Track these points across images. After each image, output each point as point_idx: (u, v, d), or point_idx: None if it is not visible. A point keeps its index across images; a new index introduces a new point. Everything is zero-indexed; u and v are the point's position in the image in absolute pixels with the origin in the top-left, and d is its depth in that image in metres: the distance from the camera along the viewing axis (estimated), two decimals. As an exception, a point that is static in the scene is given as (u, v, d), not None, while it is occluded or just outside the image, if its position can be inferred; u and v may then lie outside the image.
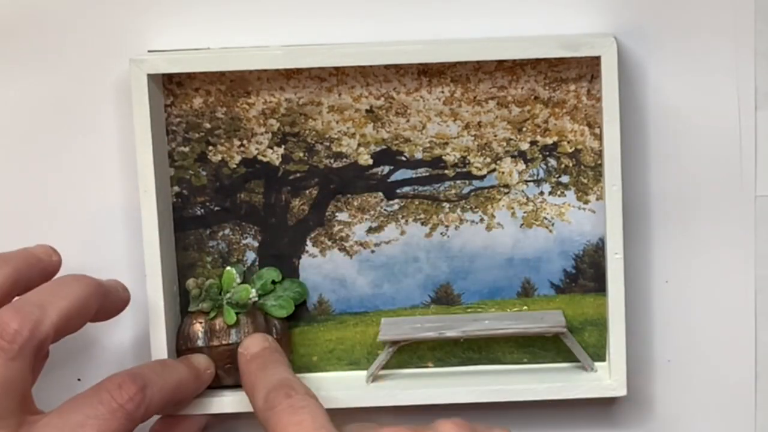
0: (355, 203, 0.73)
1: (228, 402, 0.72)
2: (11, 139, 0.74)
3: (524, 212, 0.73)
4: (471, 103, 0.72)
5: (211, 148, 0.73)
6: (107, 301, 0.68)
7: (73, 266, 0.70)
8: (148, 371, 0.66)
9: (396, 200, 0.73)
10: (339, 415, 0.67)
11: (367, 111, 0.72)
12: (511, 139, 0.72)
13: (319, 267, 0.74)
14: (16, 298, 0.65)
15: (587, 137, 0.72)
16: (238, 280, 0.73)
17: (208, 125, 0.73)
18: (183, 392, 0.69)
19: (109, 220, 0.74)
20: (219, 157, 0.73)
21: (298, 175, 0.73)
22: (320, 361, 0.75)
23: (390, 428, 0.64)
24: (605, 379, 0.72)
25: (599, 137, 0.72)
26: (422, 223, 0.74)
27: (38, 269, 0.67)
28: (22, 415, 0.63)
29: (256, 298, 0.73)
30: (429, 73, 0.72)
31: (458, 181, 0.73)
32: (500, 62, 0.71)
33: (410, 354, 0.74)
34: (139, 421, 0.65)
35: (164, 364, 0.69)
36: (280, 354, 0.70)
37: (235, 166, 0.73)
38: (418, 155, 0.73)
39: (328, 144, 0.73)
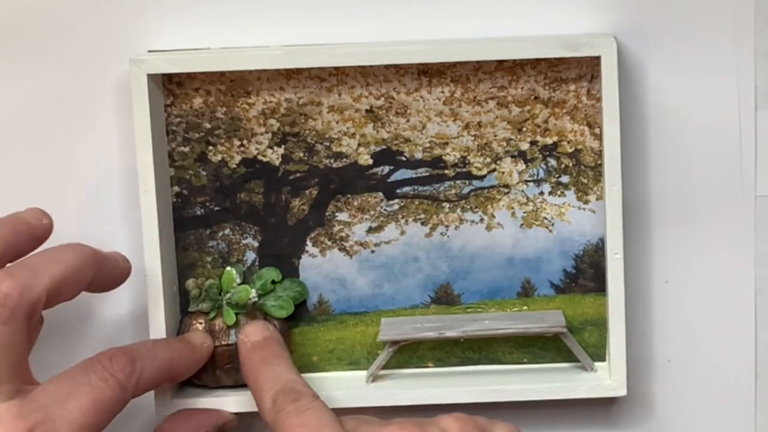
0: (355, 203, 0.73)
1: (228, 402, 0.72)
2: (11, 139, 0.74)
3: (524, 212, 0.73)
4: (471, 103, 0.72)
5: (211, 148, 0.73)
6: (104, 270, 0.67)
7: (73, 266, 0.70)
8: (139, 346, 0.67)
9: (396, 200, 0.73)
10: (339, 415, 0.67)
11: (367, 111, 0.72)
12: (511, 139, 0.72)
13: (319, 267, 0.74)
14: (8, 265, 0.65)
15: (587, 137, 0.72)
16: (238, 281, 0.73)
17: (208, 125, 0.73)
18: (178, 366, 0.69)
19: (109, 221, 0.74)
20: (219, 157, 0.73)
21: (298, 175, 0.73)
22: (320, 361, 0.75)
23: (394, 424, 0.64)
24: (605, 379, 0.72)
25: (599, 137, 0.72)
26: (422, 223, 0.74)
27: (27, 234, 0.66)
28: (18, 382, 0.63)
29: (256, 299, 0.73)
30: (429, 73, 0.72)
31: (458, 181, 0.73)
32: (500, 62, 0.71)
33: (410, 354, 0.74)
34: (132, 392, 0.65)
35: (156, 341, 0.70)
36: (282, 346, 0.71)
37: (235, 166, 0.73)
38: (418, 155, 0.73)
39: (328, 144, 0.73)
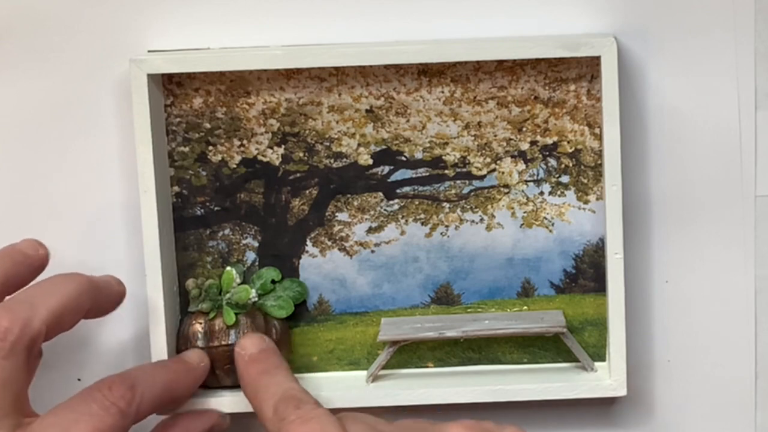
0: (355, 203, 0.73)
1: (228, 402, 0.72)
2: (11, 139, 0.73)
3: (524, 212, 0.73)
4: (471, 103, 0.72)
5: (211, 148, 0.73)
6: (100, 297, 0.67)
7: (73, 266, 0.70)
8: (137, 371, 0.67)
9: (396, 200, 0.73)
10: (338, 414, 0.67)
11: (367, 111, 0.72)
12: (511, 139, 0.72)
13: (319, 267, 0.74)
14: (7, 297, 0.65)
15: (587, 137, 0.72)
16: (238, 281, 0.73)
17: (208, 125, 0.73)
18: (176, 388, 0.69)
19: (109, 220, 0.74)
20: (219, 157, 0.73)
21: (298, 175, 0.73)
22: (320, 361, 0.75)
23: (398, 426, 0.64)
24: (605, 379, 0.72)
25: (599, 137, 0.72)
26: (422, 223, 0.74)
27: (25, 266, 0.67)
28: (18, 416, 0.63)
29: (256, 299, 0.73)
30: (429, 73, 0.72)
31: (458, 181, 0.73)
32: (500, 62, 0.71)
33: (410, 354, 0.74)
34: (133, 418, 0.65)
35: (154, 364, 0.70)
36: (279, 357, 0.70)
37: (235, 166, 0.73)
38: (418, 155, 0.73)
39: (328, 144, 0.73)
